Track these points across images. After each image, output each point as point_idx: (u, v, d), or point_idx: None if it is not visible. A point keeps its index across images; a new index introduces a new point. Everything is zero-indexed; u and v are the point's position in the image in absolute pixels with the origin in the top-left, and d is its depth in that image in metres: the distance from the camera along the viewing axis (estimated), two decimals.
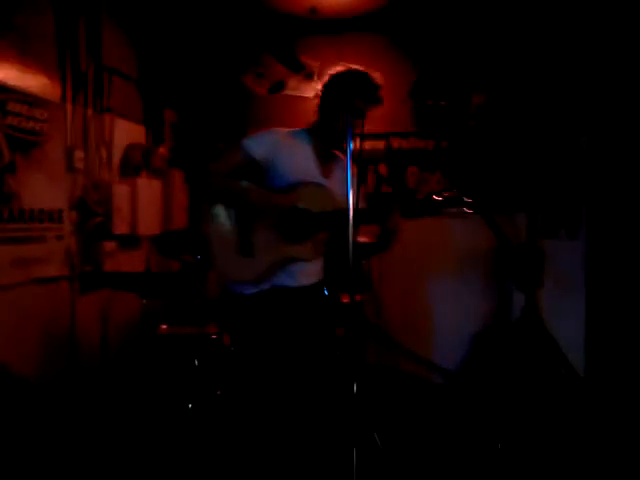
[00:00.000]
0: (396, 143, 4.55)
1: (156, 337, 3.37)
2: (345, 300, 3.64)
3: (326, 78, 2.28)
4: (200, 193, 2.46)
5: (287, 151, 2.20)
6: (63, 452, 2.92)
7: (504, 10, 4.20)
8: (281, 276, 2.23)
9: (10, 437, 2.81)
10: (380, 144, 4.56)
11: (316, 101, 2.30)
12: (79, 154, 3.41)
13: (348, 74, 2.24)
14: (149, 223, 4.10)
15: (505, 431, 3.30)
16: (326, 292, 3.57)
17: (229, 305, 2.30)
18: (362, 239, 2.36)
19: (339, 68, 2.26)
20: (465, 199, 2.31)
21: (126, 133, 3.87)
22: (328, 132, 2.24)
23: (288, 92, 4.54)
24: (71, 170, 3.35)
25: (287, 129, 2.27)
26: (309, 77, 4.54)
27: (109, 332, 3.65)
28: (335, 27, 4.48)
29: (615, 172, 4.01)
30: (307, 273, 2.30)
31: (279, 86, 4.52)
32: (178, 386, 3.14)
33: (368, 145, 4.53)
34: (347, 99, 2.16)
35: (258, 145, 2.18)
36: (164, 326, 3.36)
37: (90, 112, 3.51)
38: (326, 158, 2.31)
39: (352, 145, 1.92)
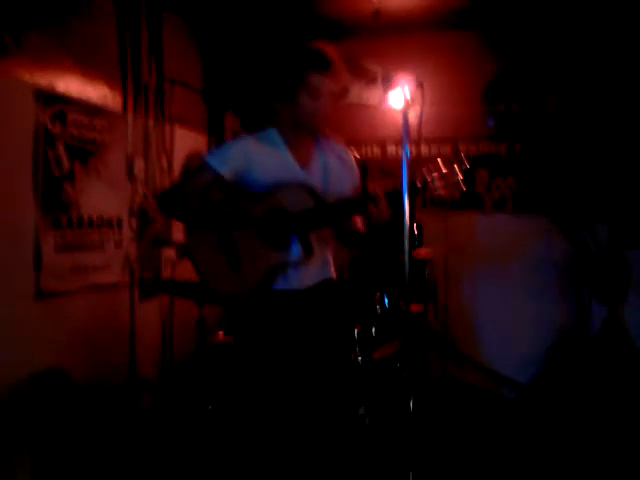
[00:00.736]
0: (464, 147, 4.36)
1: (211, 346, 3.35)
2: (405, 309, 3.49)
3: (279, 61, 2.14)
4: (174, 215, 2.35)
5: (259, 156, 2.08)
6: (121, 461, 2.96)
7: (585, 8, 3.92)
8: (279, 282, 2.10)
9: (68, 445, 2.85)
10: (447, 148, 4.38)
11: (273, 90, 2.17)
12: (139, 163, 3.46)
13: (304, 52, 2.07)
14: None
15: (581, 451, 3.05)
16: (387, 301, 3.46)
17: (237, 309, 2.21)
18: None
19: (294, 48, 2.11)
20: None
21: (187, 141, 3.92)
22: (293, 117, 2.09)
23: (351, 100, 4.44)
24: (131, 179, 3.40)
25: (251, 135, 2.15)
26: (373, 83, 4.43)
27: (168, 339, 3.68)
28: (399, 29, 4.34)
29: None
30: (309, 274, 2.14)
31: (342, 94, 4.42)
32: (233, 395, 3.10)
33: (434, 149, 4.37)
34: (299, 74, 2.01)
35: (224, 162, 2.06)
36: (220, 334, 3.34)
37: (151, 121, 3.57)
38: (301, 146, 2.15)
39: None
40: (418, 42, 4.37)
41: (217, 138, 4.24)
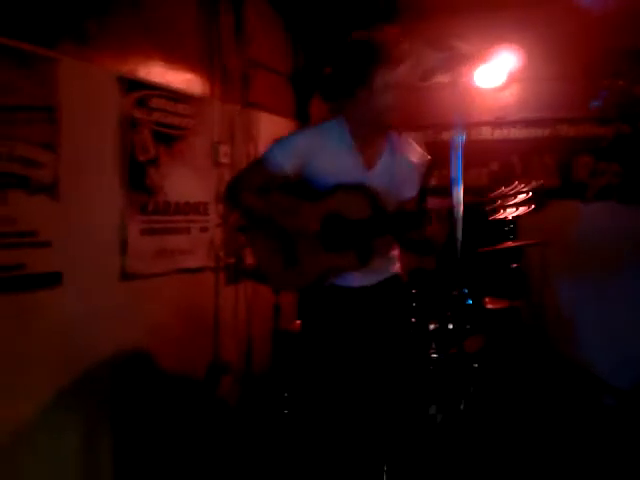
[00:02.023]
0: (564, 130, 4.05)
1: (285, 333, 3.34)
2: (490, 306, 3.30)
3: (339, 49, 2.05)
4: (235, 208, 2.33)
5: (322, 153, 1.98)
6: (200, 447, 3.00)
7: None
8: (334, 281, 2.06)
9: (150, 428, 2.92)
10: (545, 131, 4.09)
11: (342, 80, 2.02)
12: (225, 149, 3.49)
13: (361, 42, 1.97)
14: None
15: None
16: (469, 300, 3.28)
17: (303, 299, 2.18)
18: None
19: (354, 41, 2.00)
20: None
21: (273, 126, 3.90)
22: (363, 113, 1.97)
23: (438, 79, 4.25)
24: (217, 164, 3.43)
25: (314, 127, 2.09)
26: (459, 61, 4.21)
27: (252, 324, 3.70)
28: (485, 3, 4.06)
29: None
30: (367, 276, 2.07)
31: (429, 74, 4.25)
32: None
33: (531, 133, 4.09)
34: (366, 70, 1.90)
35: (288, 156, 1.97)
36: (297, 322, 3.31)
37: (236, 107, 3.58)
38: (369, 144, 2.03)
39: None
40: (511, 16, 4.07)
41: (303, 123, 4.20)
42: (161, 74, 3.01)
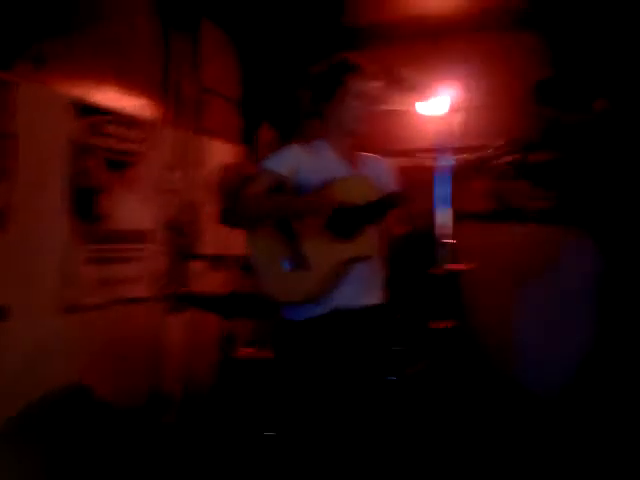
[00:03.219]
0: (498, 156, 4.22)
1: (236, 361, 3.31)
2: (435, 326, 3.40)
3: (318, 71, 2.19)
4: (242, 222, 2.29)
5: (310, 163, 2.11)
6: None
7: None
8: (338, 295, 2.05)
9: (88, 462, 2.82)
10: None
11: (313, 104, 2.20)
12: (172, 175, 3.47)
13: (341, 60, 2.14)
14: (237, 243, 4.08)
15: None
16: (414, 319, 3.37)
17: (281, 332, 2.17)
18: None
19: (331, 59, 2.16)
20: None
21: (223, 153, 3.91)
22: (337, 122, 2.13)
23: (386, 107, 4.38)
24: (163, 190, 3.40)
25: (301, 143, 2.16)
26: (406, 90, 4.37)
27: (194, 354, 3.64)
28: (436, 34, 4.24)
29: None
30: (368, 289, 2.14)
31: (377, 101, 4.37)
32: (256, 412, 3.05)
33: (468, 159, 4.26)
34: (338, 77, 2.08)
35: (281, 162, 2.10)
36: (245, 349, 3.30)
37: (188, 133, 3.56)
38: (347, 154, 2.19)
39: None
40: (452, 49, 4.27)
41: (252, 150, 4.22)
42: (115, 99, 2.99)
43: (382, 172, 2.26)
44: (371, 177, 2.18)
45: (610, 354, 3.81)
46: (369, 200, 2.06)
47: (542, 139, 4.05)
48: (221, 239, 3.90)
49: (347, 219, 2.05)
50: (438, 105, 4.14)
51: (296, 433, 2.14)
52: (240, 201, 2.12)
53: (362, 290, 2.11)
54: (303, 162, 2.11)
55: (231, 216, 2.37)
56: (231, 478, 2.86)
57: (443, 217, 1.93)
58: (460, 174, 1.98)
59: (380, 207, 2.09)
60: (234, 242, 4.02)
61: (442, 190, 1.93)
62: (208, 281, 3.72)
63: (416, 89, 4.36)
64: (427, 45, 4.27)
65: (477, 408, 3.69)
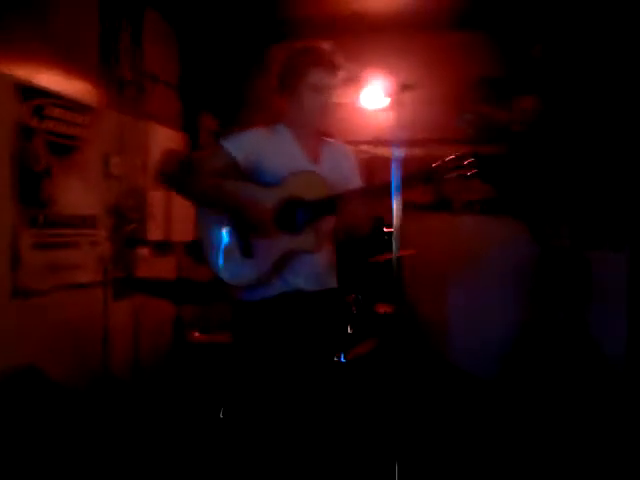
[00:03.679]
0: (435, 150, 4.43)
1: (187, 345, 3.34)
2: (381, 310, 3.56)
3: (281, 60, 2.18)
4: (185, 193, 2.29)
5: (270, 147, 2.12)
6: (94, 458, 2.90)
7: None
8: (288, 277, 2.12)
9: (44, 441, 2.80)
10: (419, 151, 4.45)
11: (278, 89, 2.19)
12: (116, 160, 3.42)
13: (303, 49, 2.14)
14: (182, 229, 4.09)
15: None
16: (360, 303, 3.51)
17: (236, 313, 2.21)
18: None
19: (294, 46, 2.16)
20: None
21: (164, 139, 3.88)
22: (299, 115, 2.15)
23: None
24: (107, 176, 3.35)
25: (264, 127, 2.17)
26: (349, 82, 4.48)
27: (141, 338, 3.63)
28: (375, 28, 4.38)
29: None
30: (318, 275, 2.18)
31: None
32: (208, 395, 3.10)
33: (407, 152, 4.44)
34: (300, 70, 2.09)
35: (239, 147, 2.09)
36: (196, 334, 3.32)
37: (128, 118, 3.52)
38: (311, 144, 2.20)
39: None
40: (393, 41, 4.41)
41: (192, 137, 4.21)
42: (58, 82, 2.91)
43: (345, 162, 2.27)
44: (331, 167, 2.18)
45: (542, 335, 4.12)
46: (318, 197, 2.06)
47: (476, 135, 4.29)
48: (166, 225, 3.90)
49: (294, 214, 2.07)
50: (377, 99, 4.29)
51: (249, 411, 2.20)
52: (190, 176, 2.12)
53: (314, 275, 2.16)
54: (263, 148, 2.10)
55: (178, 185, 2.33)
56: (179, 457, 2.90)
57: (398, 206, 2.04)
58: (408, 182, 2.06)
59: (327, 206, 2.08)
60: (179, 228, 4.02)
61: (396, 180, 2.03)
62: (153, 267, 3.71)
63: (354, 81, 4.49)
64: (365, 40, 4.39)
65: (417, 389, 3.89)
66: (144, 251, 3.66)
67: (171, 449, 2.97)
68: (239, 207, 2.04)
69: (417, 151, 4.41)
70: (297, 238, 2.08)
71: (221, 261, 2.09)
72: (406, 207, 4.43)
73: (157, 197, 3.81)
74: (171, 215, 3.93)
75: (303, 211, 2.07)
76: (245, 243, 2.08)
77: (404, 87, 2.18)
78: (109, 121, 3.34)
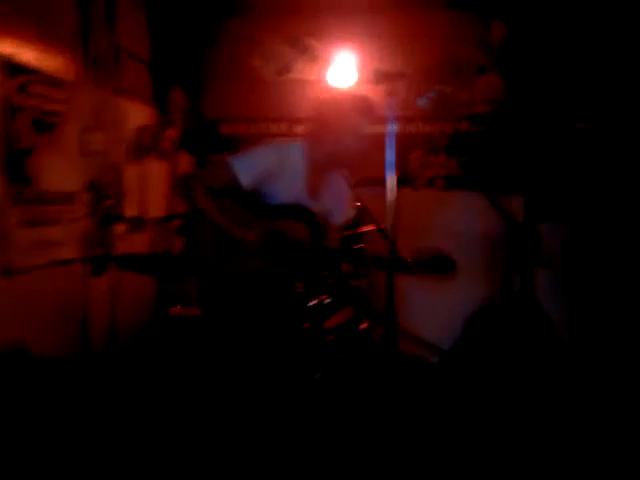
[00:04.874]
0: (401, 127, 4.59)
1: (168, 318, 3.42)
2: (353, 284, 3.71)
3: (322, 101, 2.32)
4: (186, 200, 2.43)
5: (276, 171, 2.20)
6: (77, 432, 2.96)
7: None
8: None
9: (28, 415, 2.83)
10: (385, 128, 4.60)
11: (313, 122, 2.32)
12: (94, 136, 3.41)
13: (344, 97, 2.32)
14: (156, 206, 4.12)
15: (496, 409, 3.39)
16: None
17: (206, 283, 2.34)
18: None
19: (336, 94, 2.37)
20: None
21: (137, 115, 3.88)
22: (322, 153, 2.27)
23: (293, 75, 4.56)
24: (86, 152, 3.35)
25: (280, 144, 2.29)
26: (313, 59, 4.56)
27: (120, 314, 3.67)
28: (341, 6, 4.45)
29: (608, 158, 4.13)
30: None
31: (285, 69, 4.54)
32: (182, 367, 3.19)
33: (374, 129, 4.58)
34: (345, 122, 2.23)
35: (247, 172, 2.17)
36: (177, 308, 3.40)
37: (105, 93, 3.50)
38: (316, 178, 2.33)
39: None
40: (359, 20, 4.48)
41: (162, 111, 4.21)
42: (39, 59, 2.88)
43: (340, 195, 2.42)
44: (328, 201, 2.34)
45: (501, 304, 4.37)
46: (301, 240, 2.24)
47: (442, 113, 4.47)
48: (140, 202, 3.91)
49: (273, 247, 2.23)
50: (344, 76, 4.38)
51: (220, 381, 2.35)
52: (187, 186, 2.23)
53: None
54: (269, 173, 2.18)
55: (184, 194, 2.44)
56: (158, 427, 2.99)
57: (391, 183, 2.20)
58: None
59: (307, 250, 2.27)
60: (152, 205, 4.05)
61: (389, 157, 2.18)
62: (129, 243, 3.73)
63: (320, 58, 4.58)
64: (334, 15, 4.46)
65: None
66: (121, 227, 3.68)
67: (145, 422, 3.04)
68: (229, 229, 2.18)
69: (382, 128, 4.61)
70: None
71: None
72: (370, 184, 4.59)
73: (132, 173, 3.82)
74: (146, 192, 3.94)
75: (284, 248, 2.23)
76: (225, 248, 2.23)
77: (394, 76, 2.30)
78: (86, 96, 3.32)
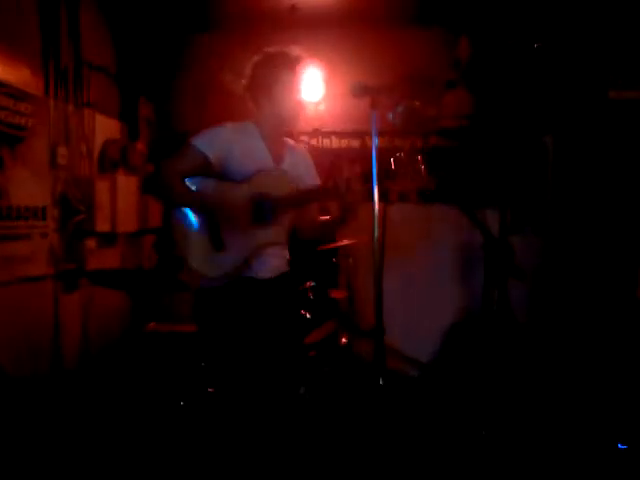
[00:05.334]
0: (370, 141, 4.61)
1: (143, 335, 3.34)
2: (335, 296, 3.71)
3: (254, 62, 2.33)
4: (158, 195, 2.43)
5: (239, 145, 2.21)
6: (46, 450, 2.86)
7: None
8: (253, 267, 2.24)
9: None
10: (355, 142, 4.64)
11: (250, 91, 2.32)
12: (62, 150, 3.34)
13: (277, 54, 2.29)
14: (126, 220, 4.04)
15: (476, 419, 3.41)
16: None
17: (200, 300, 2.28)
18: (324, 217, 2.46)
19: (264, 52, 2.32)
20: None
21: (104, 128, 3.81)
22: (276, 115, 2.28)
23: None
24: (54, 166, 3.28)
25: (232, 124, 2.25)
26: None
27: (93, 330, 3.58)
28: (312, 22, 4.48)
29: (575, 171, 4.23)
30: (270, 266, 2.31)
31: None
32: (166, 384, 3.13)
33: (344, 143, 4.61)
34: (283, 76, 2.24)
35: (210, 145, 2.16)
36: (152, 324, 3.33)
37: (71, 107, 3.45)
38: (276, 145, 2.33)
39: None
40: (326, 37, 4.52)
41: (131, 125, 4.15)
42: (4, 72, 2.84)
43: (303, 162, 2.41)
44: (292, 166, 2.32)
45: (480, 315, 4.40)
46: (286, 193, 2.22)
47: (409, 128, 4.51)
48: (111, 216, 3.84)
49: (265, 209, 2.19)
50: (313, 90, 4.40)
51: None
52: (162, 178, 2.18)
53: (274, 263, 2.29)
54: (232, 145, 2.18)
55: (153, 189, 2.40)
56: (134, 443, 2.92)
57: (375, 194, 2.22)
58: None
59: (295, 200, 2.26)
60: (122, 219, 3.98)
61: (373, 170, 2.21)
62: (100, 258, 3.65)
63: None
64: (303, 29, 4.48)
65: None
66: (92, 242, 3.60)
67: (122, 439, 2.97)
68: (214, 205, 2.14)
69: (354, 142, 4.65)
70: (268, 231, 2.21)
71: (195, 255, 2.17)
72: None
73: (103, 187, 3.75)
74: (117, 206, 3.87)
75: (273, 206, 2.20)
76: (217, 238, 2.17)
77: (376, 89, 2.34)
78: (52, 110, 3.26)
